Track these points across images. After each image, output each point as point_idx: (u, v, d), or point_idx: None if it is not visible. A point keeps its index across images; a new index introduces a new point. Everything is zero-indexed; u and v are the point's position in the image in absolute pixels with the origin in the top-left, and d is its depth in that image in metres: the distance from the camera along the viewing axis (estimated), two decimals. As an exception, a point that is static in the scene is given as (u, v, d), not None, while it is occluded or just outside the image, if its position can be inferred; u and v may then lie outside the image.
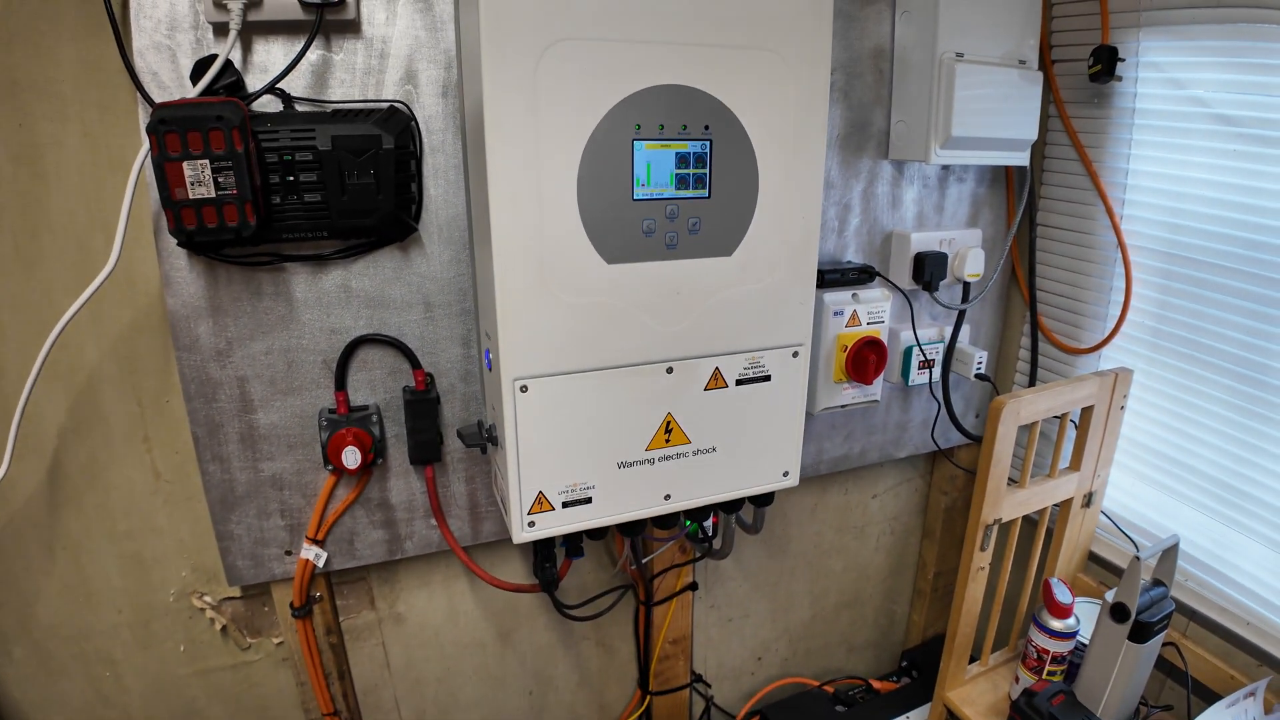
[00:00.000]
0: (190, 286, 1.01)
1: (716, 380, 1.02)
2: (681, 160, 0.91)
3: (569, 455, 0.97)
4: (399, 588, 1.30)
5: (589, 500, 1.00)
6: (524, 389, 0.91)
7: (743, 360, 1.03)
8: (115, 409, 1.11)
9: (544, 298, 0.90)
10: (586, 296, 0.91)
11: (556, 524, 0.99)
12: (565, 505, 0.99)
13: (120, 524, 1.16)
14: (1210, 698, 1.21)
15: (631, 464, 1.01)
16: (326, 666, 1.25)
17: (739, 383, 1.03)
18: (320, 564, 1.17)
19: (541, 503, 0.97)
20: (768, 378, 1.05)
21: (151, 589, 1.21)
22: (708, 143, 0.92)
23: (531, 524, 0.98)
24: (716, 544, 1.27)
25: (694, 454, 1.04)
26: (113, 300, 1.06)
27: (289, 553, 1.16)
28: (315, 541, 1.16)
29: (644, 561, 1.37)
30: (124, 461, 1.14)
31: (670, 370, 0.99)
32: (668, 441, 1.02)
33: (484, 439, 1.02)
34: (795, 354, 1.05)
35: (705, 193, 0.94)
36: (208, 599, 1.24)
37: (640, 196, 0.91)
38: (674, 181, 0.92)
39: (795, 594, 1.67)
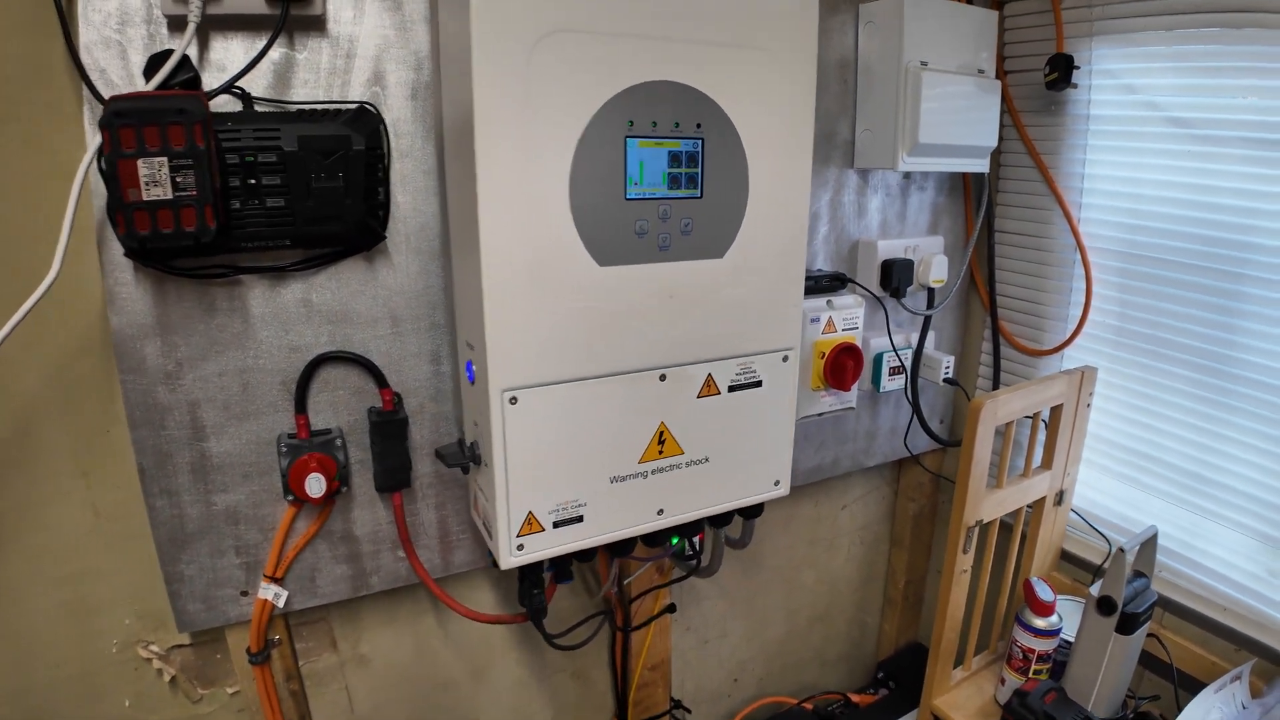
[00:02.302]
0: (137, 303, 0.92)
1: (709, 387, 0.99)
2: (674, 159, 0.89)
3: (560, 471, 0.92)
4: (362, 627, 1.21)
5: (580, 519, 0.95)
6: (513, 400, 0.86)
7: (735, 365, 1.00)
8: (52, 440, 1.00)
9: (534, 303, 0.85)
10: (579, 301, 0.87)
11: (547, 546, 0.93)
12: (556, 525, 0.93)
13: (57, 568, 1.04)
14: (1191, 685, 1.23)
15: (624, 478, 0.96)
16: (287, 716, 1.15)
17: (731, 389, 1.01)
18: (280, 604, 1.07)
19: (531, 523, 0.92)
20: (759, 383, 1.02)
21: (93, 639, 1.09)
22: (700, 141, 0.90)
23: (521, 547, 0.92)
24: (705, 560, 1.23)
25: (687, 465, 1.00)
26: (51, 319, 0.95)
27: (245, 593, 1.06)
28: (274, 580, 1.06)
29: (625, 582, 1.32)
30: (61, 499, 1.02)
31: (663, 377, 0.95)
32: (661, 453, 0.98)
33: (466, 458, 0.96)
34: (785, 358, 1.03)
35: (697, 193, 0.91)
36: (154, 648, 1.12)
37: (633, 196, 0.87)
38: (666, 181, 0.89)
39: (770, 610, 1.64)
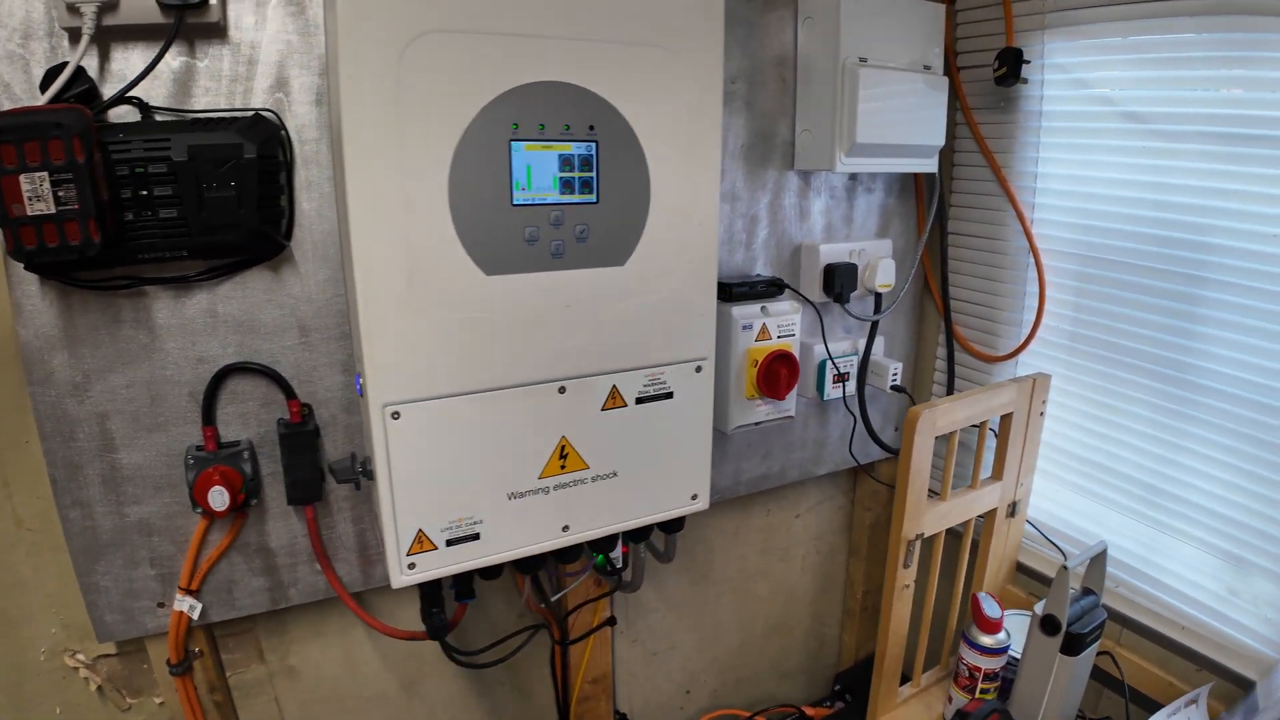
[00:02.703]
0: (44, 314, 0.92)
1: (615, 399, 0.96)
2: (565, 163, 0.86)
3: (452, 487, 0.89)
4: (289, 639, 1.20)
5: (476, 536, 0.92)
6: (396, 415, 0.84)
7: (642, 377, 0.97)
8: (-31, 452, 1.00)
9: (414, 314, 0.82)
10: (464, 312, 0.85)
11: (440, 564, 0.91)
12: (450, 543, 0.91)
13: (-20, 578, 1.05)
14: (1149, 706, 1.18)
15: (523, 494, 0.93)
16: (211, 727, 1.14)
17: (639, 401, 0.97)
18: (195, 616, 1.06)
19: (422, 541, 0.89)
20: (670, 395, 0.99)
21: (21, 648, 1.09)
22: (594, 144, 0.87)
23: (412, 565, 0.90)
24: (626, 576, 1.20)
25: (593, 480, 0.97)
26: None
27: (162, 604, 1.06)
28: (189, 592, 1.06)
29: (554, 599, 1.29)
30: (-18, 508, 1.03)
31: (563, 390, 0.92)
32: (563, 468, 0.95)
33: (357, 473, 0.94)
34: (699, 369, 1.00)
35: (593, 197, 0.88)
36: (80, 657, 1.13)
37: (520, 201, 0.85)
38: (558, 185, 0.86)
39: (721, 622, 1.60)
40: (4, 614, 1.07)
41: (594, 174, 0.87)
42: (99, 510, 0.99)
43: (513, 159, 0.83)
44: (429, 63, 0.77)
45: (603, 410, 0.95)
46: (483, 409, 0.88)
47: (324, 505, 1.09)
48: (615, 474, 0.98)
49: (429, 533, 0.89)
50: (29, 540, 1.06)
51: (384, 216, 0.79)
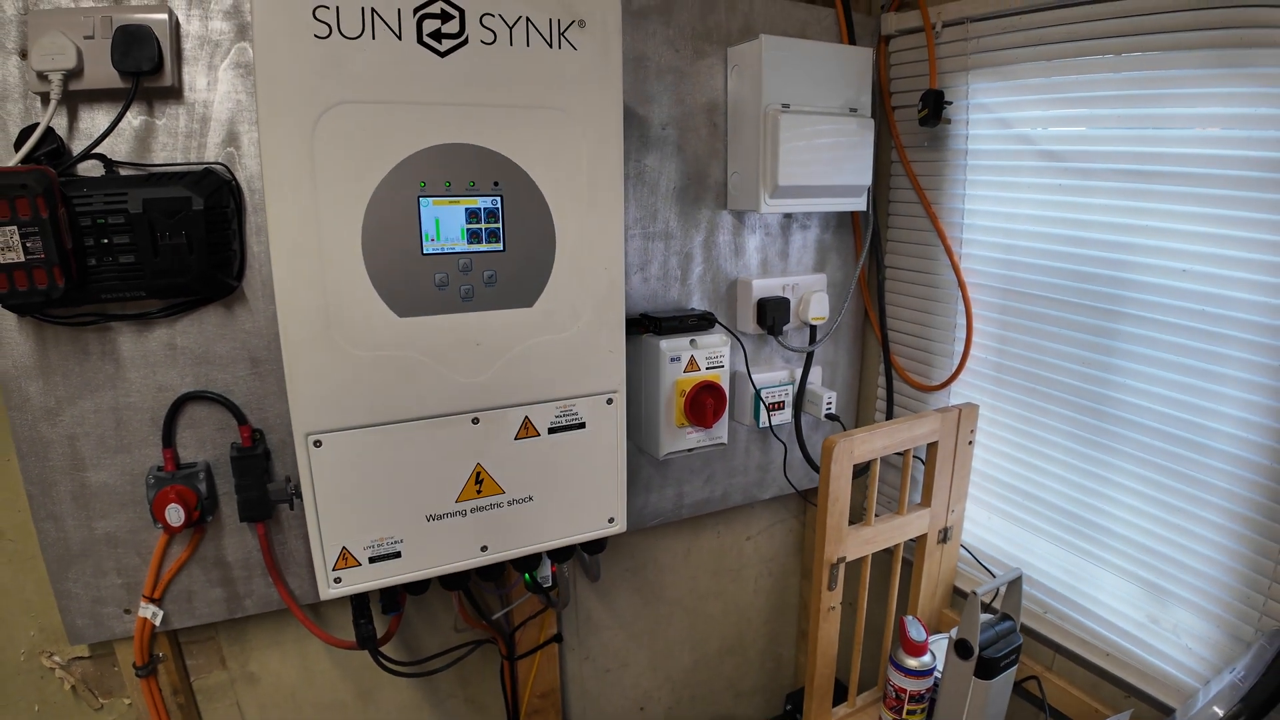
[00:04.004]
0: (20, 347, 1.02)
1: (527, 429, 1.03)
2: (472, 215, 0.94)
3: (372, 509, 0.98)
4: (249, 646, 1.29)
5: (398, 554, 1.00)
6: (317, 444, 0.92)
7: (553, 409, 1.04)
8: (-46, 468, 1.11)
9: (331, 351, 0.91)
10: (378, 350, 0.93)
11: (364, 579, 0.99)
12: (373, 560, 0.99)
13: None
14: (1075, 731, 1.21)
15: (441, 516, 1.01)
16: (175, 728, 1.23)
17: (552, 430, 1.05)
18: (158, 622, 1.15)
19: (346, 558, 0.97)
20: (583, 425, 1.06)
21: (1, 648, 1.19)
22: (499, 198, 0.95)
23: (338, 580, 0.98)
24: (555, 595, 1.27)
25: (509, 504, 1.04)
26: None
27: (128, 611, 1.15)
28: (152, 600, 1.15)
29: (497, 616, 1.36)
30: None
31: (476, 420, 1.00)
32: (479, 492, 1.02)
33: (290, 495, 1.02)
34: (610, 400, 1.07)
35: (500, 246, 0.96)
36: (56, 659, 1.22)
37: (430, 251, 0.93)
38: (465, 236, 0.94)
39: (674, 641, 1.65)
40: (-14, 617, 1.18)
41: (500, 225, 0.95)
42: (70, 523, 1.09)
43: (421, 213, 0.92)
44: (341, 129, 0.86)
45: (516, 439, 1.03)
46: (400, 438, 0.97)
47: (275, 523, 1.18)
48: (531, 498, 1.05)
49: (352, 550, 0.97)
50: (8, 549, 1.16)
51: (303, 265, 0.88)
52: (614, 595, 1.54)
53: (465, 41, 0.90)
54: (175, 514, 1.07)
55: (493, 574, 1.13)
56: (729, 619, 1.70)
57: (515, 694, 1.44)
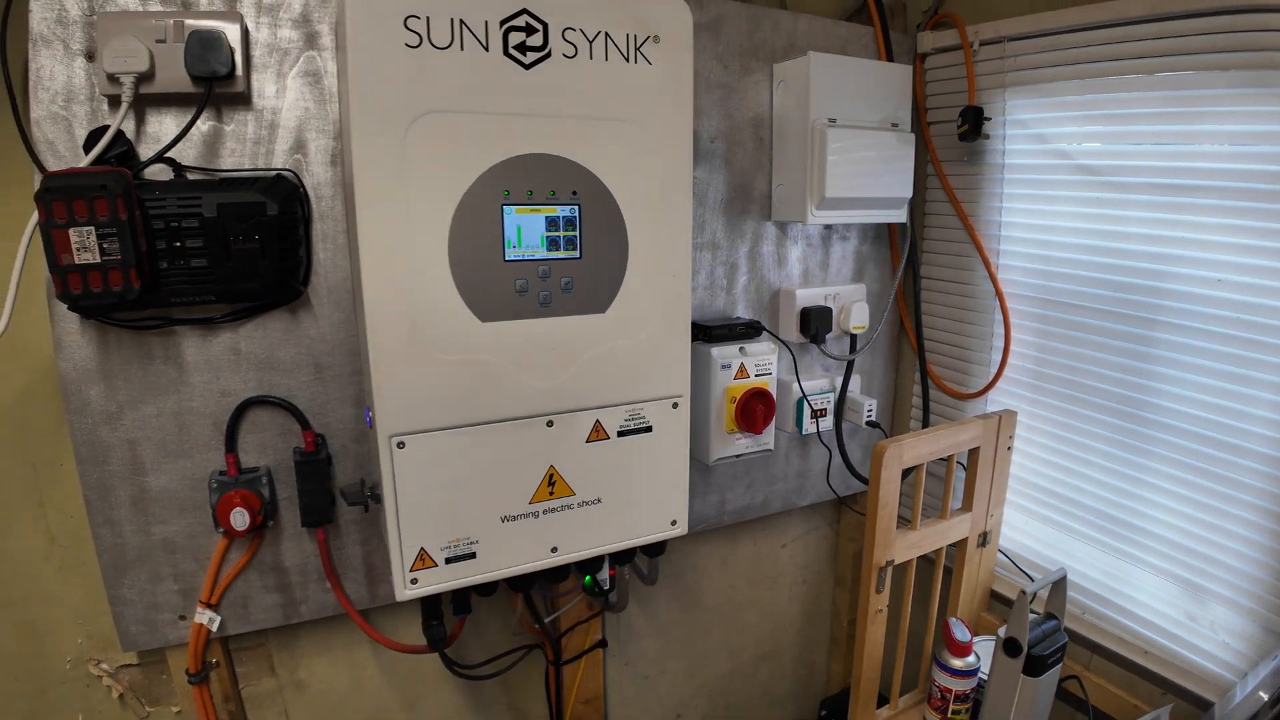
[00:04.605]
0: (82, 350, 1.02)
1: (598, 432, 1.05)
2: (551, 223, 0.96)
3: (450, 510, 0.99)
4: (299, 654, 1.29)
5: (473, 555, 1.01)
6: (401, 445, 0.93)
7: (623, 412, 1.06)
8: (8, 473, 1.11)
9: (418, 356, 0.92)
10: (461, 354, 0.94)
11: (440, 580, 1.00)
12: (449, 561, 1.00)
13: (12, 590, 1.14)
14: (1114, 728, 1.24)
15: (515, 517, 1.02)
16: (224, 736, 1.23)
17: (621, 434, 1.06)
18: (214, 628, 1.15)
19: (424, 559, 0.98)
20: (649, 428, 1.08)
21: (46, 657, 1.18)
22: (577, 207, 0.97)
23: (414, 581, 0.99)
24: (613, 597, 1.28)
25: (579, 505, 1.06)
26: (5, 364, 1.07)
27: (183, 617, 1.14)
28: (209, 606, 1.14)
29: (548, 620, 1.37)
30: (17, 526, 1.13)
31: (550, 423, 1.01)
32: (551, 494, 1.04)
33: (366, 497, 1.03)
34: (675, 405, 1.09)
35: (576, 254, 0.98)
36: (104, 666, 1.22)
37: (512, 258, 0.95)
38: (545, 243, 0.96)
39: (711, 648, 1.67)
40: (32, 624, 1.16)
41: (577, 233, 0.98)
42: (127, 529, 1.09)
43: (505, 221, 0.94)
44: (430, 138, 0.88)
45: (587, 442, 1.05)
46: (478, 440, 0.98)
47: (334, 528, 1.18)
48: (599, 500, 1.07)
49: (430, 551, 0.98)
50: (60, 556, 1.16)
51: (393, 272, 0.90)
52: (653, 602, 1.56)
53: (548, 54, 0.92)
54: (240, 518, 1.07)
55: (560, 576, 1.14)
56: (764, 626, 1.72)
57: (560, 700, 1.44)
